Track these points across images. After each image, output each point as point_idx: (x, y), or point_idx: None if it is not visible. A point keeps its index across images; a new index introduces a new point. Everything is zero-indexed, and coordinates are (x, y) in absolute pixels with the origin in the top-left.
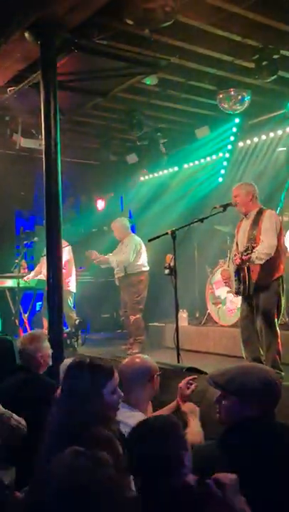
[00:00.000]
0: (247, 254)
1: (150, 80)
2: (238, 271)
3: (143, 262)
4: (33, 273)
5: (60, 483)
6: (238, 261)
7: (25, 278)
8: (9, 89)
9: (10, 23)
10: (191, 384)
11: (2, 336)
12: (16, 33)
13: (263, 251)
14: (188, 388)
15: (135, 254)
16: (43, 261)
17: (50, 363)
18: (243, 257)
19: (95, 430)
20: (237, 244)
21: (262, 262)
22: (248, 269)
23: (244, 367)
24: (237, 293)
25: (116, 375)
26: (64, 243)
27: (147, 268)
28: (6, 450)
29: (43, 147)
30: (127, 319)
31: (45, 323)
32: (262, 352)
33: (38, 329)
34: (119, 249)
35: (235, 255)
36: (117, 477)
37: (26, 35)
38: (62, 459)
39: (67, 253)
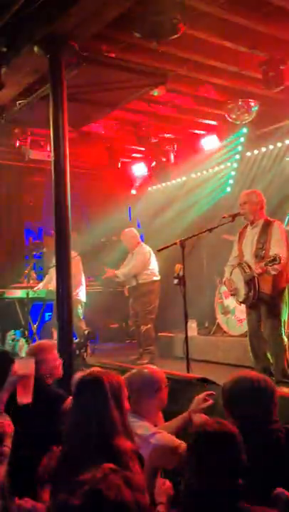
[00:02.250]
0: (273, 264)
1: (158, 92)
2: (250, 280)
3: (154, 271)
4: (41, 284)
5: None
6: (260, 270)
7: (34, 289)
8: (18, 102)
9: (20, 38)
10: (209, 400)
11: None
12: (25, 47)
13: (280, 262)
14: (204, 402)
15: (143, 264)
16: (52, 272)
17: (61, 374)
18: (265, 268)
19: (119, 442)
20: (241, 251)
21: (276, 273)
22: (258, 278)
23: (237, 375)
24: (243, 301)
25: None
26: (73, 253)
27: (158, 277)
28: None
29: (51, 159)
30: (137, 329)
31: (55, 333)
32: (271, 361)
33: (46, 339)
34: (128, 261)
35: (243, 266)
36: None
37: (36, 49)
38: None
39: (76, 264)
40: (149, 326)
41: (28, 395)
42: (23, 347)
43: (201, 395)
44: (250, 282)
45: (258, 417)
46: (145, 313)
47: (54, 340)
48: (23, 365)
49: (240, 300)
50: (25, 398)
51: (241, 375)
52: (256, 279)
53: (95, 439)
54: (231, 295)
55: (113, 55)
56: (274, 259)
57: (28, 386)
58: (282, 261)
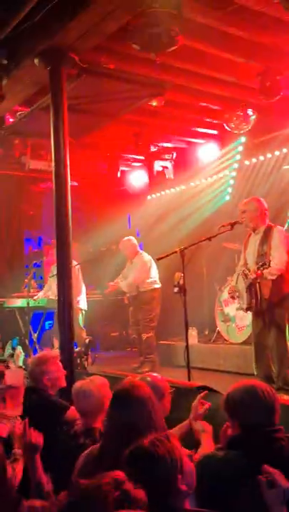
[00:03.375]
0: (264, 268)
1: (156, 102)
2: (250, 286)
3: (155, 279)
4: (42, 292)
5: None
6: (254, 275)
7: (34, 298)
8: (19, 113)
9: (20, 50)
10: (204, 403)
11: None
12: (26, 60)
13: (275, 267)
14: (201, 407)
15: (145, 272)
16: (51, 281)
17: (64, 385)
18: (259, 272)
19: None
20: (246, 259)
21: (274, 278)
22: (260, 284)
23: (241, 384)
24: (248, 309)
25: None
26: (73, 263)
27: (159, 285)
28: None
29: (52, 169)
30: (138, 337)
31: (56, 342)
32: (273, 369)
33: (49, 350)
34: (127, 269)
35: (244, 270)
36: None
37: (36, 61)
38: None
39: (76, 273)
40: (150, 334)
41: (17, 406)
42: (19, 356)
43: (196, 401)
44: (251, 288)
45: (262, 425)
46: (147, 322)
47: (56, 351)
48: (13, 376)
49: (245, 307)
50: (14, 410)
51: (245, 384)
52: (257, 285)
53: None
54: (231, 297)
55: (112, 66)
56: (263, 263)
57: (17, 397)
58: (275, 265)
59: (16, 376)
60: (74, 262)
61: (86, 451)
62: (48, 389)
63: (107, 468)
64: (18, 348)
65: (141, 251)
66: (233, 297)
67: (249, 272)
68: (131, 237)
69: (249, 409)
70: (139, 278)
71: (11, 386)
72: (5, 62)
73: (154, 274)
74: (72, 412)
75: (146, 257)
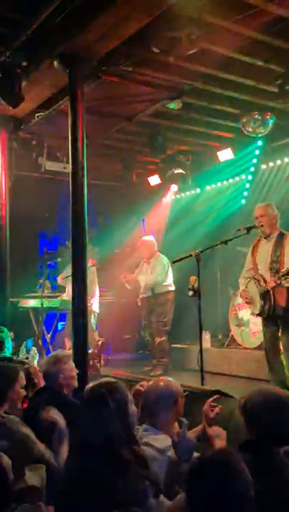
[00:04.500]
0: (285, 278)
1: (174, 105)
2: (265, 293)
3: (170, 281)
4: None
5: None
6: (273, 284)
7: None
8: (37, 114)
9: (40, 52)
10: (215, 406)
11: (19, 360)
12: (45, 62)
13: None
14: (212, 411)
15: (164, 274)
16: (68, 282)
17: (76, 385)
18: (278, 281)
19: (126, 450)
20: (256, 265)
21: None
22: (274, 291)
23: (254, 389)
24: (259, 314)
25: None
26: (92, 261)
27: (174, 288)
28: None
29: (68, 170)
30: (152, 340)
31: (68, 343)
32: (287, 374)
33: (63, 350)
34: (144, 269)
35: (259, 279)
36: None
37: (55, 63)
38: None
39: (92, 273)
40: (163, 338)
41: None
42: (34, 357)
43: (206, 406)
44: (265, 295)
45: (282, 434)
46: (160, 325)
47: (69, 351)
48: None
49: (257, 312)
50: None
51: (263, 390)
52: (271, 292)
53: (101, 450)
54: (246, 303)
55: (130, 69)
56: (287, 273)
57: None
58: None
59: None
60: (89, 263)
61: None
62: (63, 388)
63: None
64: (34, 348)
65: (159, 253)
66: (248, 302)
67: (263, 279)
68: (151, 236)
69: (268, 417)
70: (162, 277)
71: None
72: (25, 64)
73: (170, 277)
74: None
75: (165, 259)
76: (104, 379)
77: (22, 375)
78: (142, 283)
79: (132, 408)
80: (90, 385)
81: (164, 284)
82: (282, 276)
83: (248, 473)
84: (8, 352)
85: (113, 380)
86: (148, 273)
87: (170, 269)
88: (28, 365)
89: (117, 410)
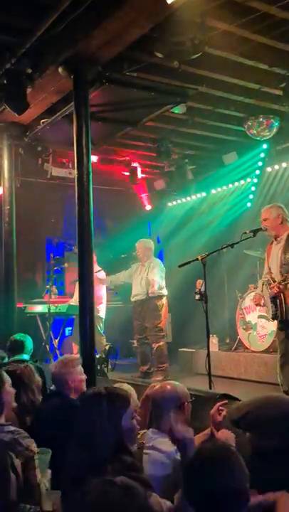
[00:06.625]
0: (285, 283)
1: (178, 109)
2: (275, 297)
3: (164, 286)
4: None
5: None
6: (276, 290)
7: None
8: (42, 120)
9: (45, 59)
10: (223, 410)
11: (33, 362)
12: (50, 68)
13: None
14: (219, 415)
15: (161, 279)
16: (76, 287)
17: (85, 389)
18: (281, 287)
19: (117, 458)
20: (269, 268)
21: None
22: (284, 295)
23: (258, 400)
24: (274, 318)
25: (132, 401)
26: (98, 267)
27: (166, 293)
28: None
29: (74, 176)
30: (144, 346)
31: (75, 348)
32: None
33: (71, 354)
34: (138, 270)
35: (270, 283)
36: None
37: (60, 70)
38: (94, 489)
39: (100, 278)
40: (160, 343)
41: None
42: None
43: (213, 409)
44: (275, 300)
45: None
46: (156, 331)
47: (77, 355)
48: None
49: (270, 317)
50: None
51: (269, 400)
52: (281, 295)
53: (92, 458)
54: (256, 305)
55: (135, 74)
56: (284, 279)
57: None
58: None
59: None
60: (96, 268)
61: None
62: (72, 392)
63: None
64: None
65: (154, 257)
66: (258, 304)
67: (273, 281)
68: (150, 240)
69: (272, 430)
70: (162, 280)
71: None
72: (30, 71)
73: (164, 282)
74: None
75: (161, 263)
76: (118, 384)
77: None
78: (107, 284)
79: (131, 423)
80: (101, 385)
81: (159, 287)
82: (283, 282)
83: (245, 467)
84: (27, 355)
85: (123, 389)
86: (143, 275)
87: (164, 274)
88: (26, 365)
89: (109, 416)
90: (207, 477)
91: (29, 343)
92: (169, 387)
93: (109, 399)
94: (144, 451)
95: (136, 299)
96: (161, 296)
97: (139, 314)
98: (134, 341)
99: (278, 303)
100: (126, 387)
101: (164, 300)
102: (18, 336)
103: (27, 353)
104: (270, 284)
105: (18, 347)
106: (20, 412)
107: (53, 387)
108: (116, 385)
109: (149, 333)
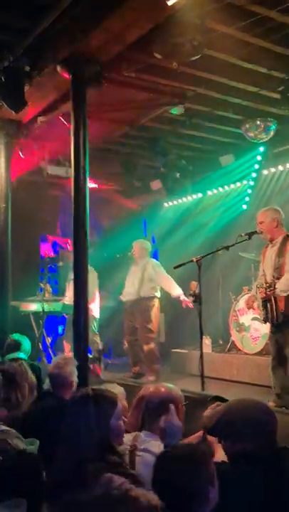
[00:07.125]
0: (271, 290)
1: (176, 110)
2: (266, 301)
3: (158, 288)
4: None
5: None
6: (263, 295)
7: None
8: (39, 118)
9: (43, 58)
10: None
11: (28, 361)
12: (48, 67)
13: (286, 283)
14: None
15: (153, 279)
16: (70, 286)
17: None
18: (268, 292)
19: (103, 458)
20: (264, 271)
21: (286, 294)
22: (275, 299)
23: (230, 406)
24: (265, 321)
25: (119, 403)
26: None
27: (160, 295)
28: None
29: (71, 175)
30: (133, 347)
31: (67, 347)
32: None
33: (65, 354)
34: (135, 272)
35: (259, 288)
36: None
37: (58, 68)
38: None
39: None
40: (151, 345)
41: None
42: None
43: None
44: (266, 303)
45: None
46: (146, 332)
47: (69, 354)
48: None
49: (263, 319)
50: None
51: (234, 405)
52: (272, 299)
53: (80, 460)
54: (248, 308)
55: (133, 74)
56: (269, 286)
57: None
58: (286, 281)
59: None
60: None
61: None
62: (66, 393)
63: None
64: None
65: (149, 257)
66: (250, 307)
67: (265, 285)
68: (146, 241)
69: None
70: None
71: None
72: (28, 69)
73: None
74: None
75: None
76: (107, 384)
77: None
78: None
79: (118, 424)
80: (89, 387)
81: (152, 287)
82: (268, 288)
83: (213, 465)
84: (23, 355)
85: (111, 390)
86: (137, 275)
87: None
88: (19, 363)
89: (96, 418)
90: (172, 473)
91: (26, 344)
92: (163, 389)
93: (96, 401)
94: (137, 453)
95: (127, 299)
96: (153, 297)
97: (131, 314)
98: (125, 342)
99: (269, 307)
100: (118, 389)
101: (156, 301)
102: (15, 336)
103: (24, 352)
104: (259, 288)
105: (15, 346)
106: (11, 410)
107: (48, 387)
108: (108, 386)
109: (140, 334)
